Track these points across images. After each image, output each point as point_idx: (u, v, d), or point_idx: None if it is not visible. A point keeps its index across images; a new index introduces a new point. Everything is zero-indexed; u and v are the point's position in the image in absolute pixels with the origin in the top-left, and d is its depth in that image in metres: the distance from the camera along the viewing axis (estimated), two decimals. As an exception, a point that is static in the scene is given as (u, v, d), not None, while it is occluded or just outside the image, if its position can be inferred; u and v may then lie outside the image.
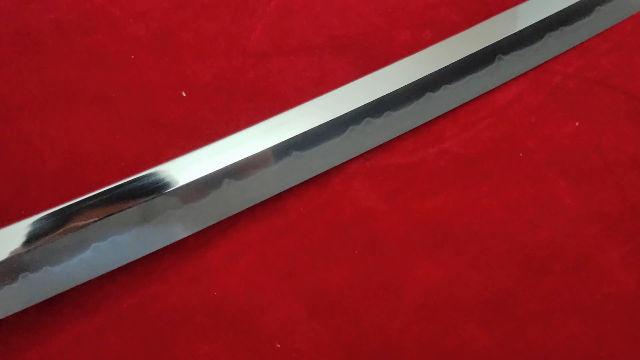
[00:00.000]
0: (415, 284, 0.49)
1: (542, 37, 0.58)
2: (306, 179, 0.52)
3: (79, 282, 0.47)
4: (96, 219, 0.46)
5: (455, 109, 0.56)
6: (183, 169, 0.48)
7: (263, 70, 0.60)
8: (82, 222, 0.45)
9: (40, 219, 0.45)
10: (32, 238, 0.44)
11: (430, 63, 0.55)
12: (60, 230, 0.45)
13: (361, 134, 0.53)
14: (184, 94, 0.58)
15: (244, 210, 0.51)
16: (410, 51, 0.56)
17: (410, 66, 0.55)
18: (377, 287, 0.49)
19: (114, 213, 0.46)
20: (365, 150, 0.54)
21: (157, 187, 0.47)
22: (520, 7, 0.58)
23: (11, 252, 0.44)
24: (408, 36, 0.61)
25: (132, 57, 0.60)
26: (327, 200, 0.52)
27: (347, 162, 0.54)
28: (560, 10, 0.58)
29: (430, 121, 0.56)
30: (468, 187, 0.53)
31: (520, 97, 0.57)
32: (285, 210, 0.52)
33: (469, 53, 0.55)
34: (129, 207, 0.47)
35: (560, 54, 0.59)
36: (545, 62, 0.59)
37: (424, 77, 0.54)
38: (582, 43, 0.60)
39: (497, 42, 0.56)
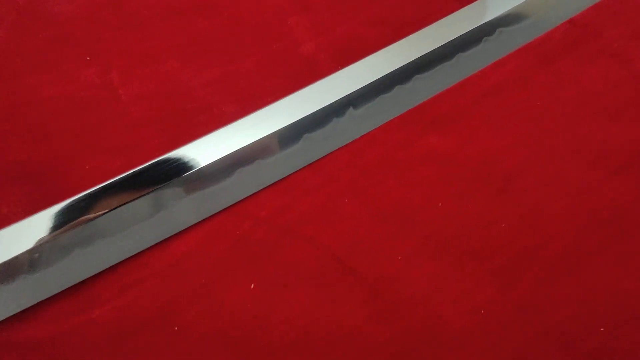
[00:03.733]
0: None
1: (231, 173, 0.45)
2: None
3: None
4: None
5: (117, 264, 0.43)
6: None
7: None
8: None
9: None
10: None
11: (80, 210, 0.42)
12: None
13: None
14: None
15: None
16: (97, 181, 0.43)
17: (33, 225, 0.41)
18: None
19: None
20: (-1, 320, 0.41)
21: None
22: (203, 140, 0.45)
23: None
24: (99, 163, 0.47)
25: None
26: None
27: (-24, 334, 0.41)
28: (248, 145, 0.45)
29: (88, 279, 0.43)
30: (111, 370, 0.40)
31: (198, 248, 0.44)
32: None
33: (129, 199, 0.42)
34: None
35: (257, 192, 0.46)
36: (236, 203, 0.46)
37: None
38: (286, 178, 0.47)
39: (170, 182, 0.43)
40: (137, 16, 0.55)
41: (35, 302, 0.41)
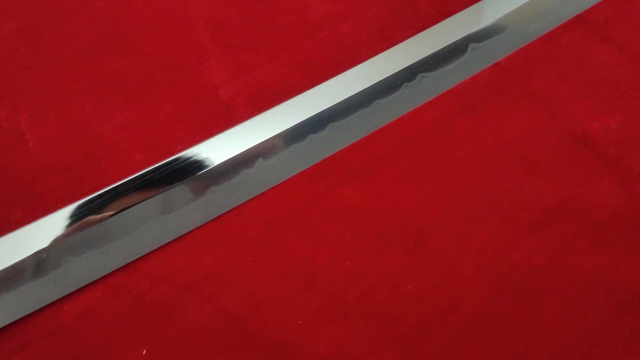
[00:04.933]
0: None
1: (133, 228, 0.42)
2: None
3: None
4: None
5: (6, 326, 0.40)
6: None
7: None
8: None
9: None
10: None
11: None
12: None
13: None
14: None
15: None
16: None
17: None
18: None
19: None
20: None
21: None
22: (104, 192, 0.42)
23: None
24: None
25: None
26: None
27: None
28: (152, 198, 0.42)
29: (-26, 343, 0.40)
30: None
31: (94, 308, 0.41)
32: None
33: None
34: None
35: (159, 248, 0.43)
36: (136, 259, 0.43)
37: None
38: (189, 233, 0.44)
39: (59, 237, 0.40)
40: (53, 55, 0.52)
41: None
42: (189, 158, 0.44)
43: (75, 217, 0.41)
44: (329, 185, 0.45)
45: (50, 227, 0.40)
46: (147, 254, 0.43)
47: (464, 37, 0.49)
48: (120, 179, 0.43)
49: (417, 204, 0.44)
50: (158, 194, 0.42)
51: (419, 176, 0.45)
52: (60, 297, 0.41)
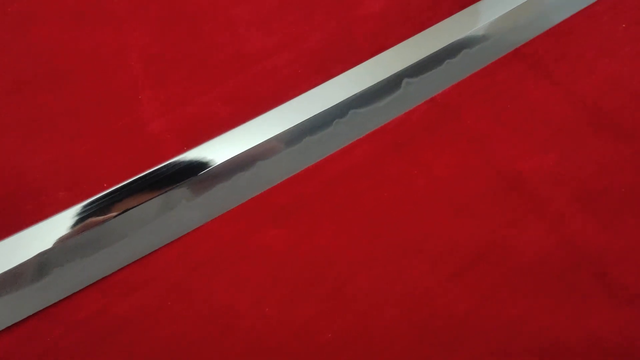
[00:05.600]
0: None
1: (48, 272, 0.41)
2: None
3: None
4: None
5: None
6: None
7: None
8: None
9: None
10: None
11: None
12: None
13: None
14: None
15: None
16: None
17: None
18: None
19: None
20: None
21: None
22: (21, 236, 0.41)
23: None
24: None
25: None
26: None
27: None
28: (64, 243, 0.41)
29: None
30: None
31: (5, 356, 0.40)
32: None
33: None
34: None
35: (77, 292, 0.42)
36: (52, 304, 0.41)
37: None
38: (110, 276, 0.43)
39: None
40: (-19, 89, 0.50)
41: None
42: (112, 197, 0.42)
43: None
44: (253, 226, 0.44)
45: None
46: (64, 299, 0.41)
47: (397, 72, 0.47)
48: (43, 219, 0.42)
49: (341, 247, 0.43)
50: (83, 232, 0.41)
51: (346, 217, 0.44)
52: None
